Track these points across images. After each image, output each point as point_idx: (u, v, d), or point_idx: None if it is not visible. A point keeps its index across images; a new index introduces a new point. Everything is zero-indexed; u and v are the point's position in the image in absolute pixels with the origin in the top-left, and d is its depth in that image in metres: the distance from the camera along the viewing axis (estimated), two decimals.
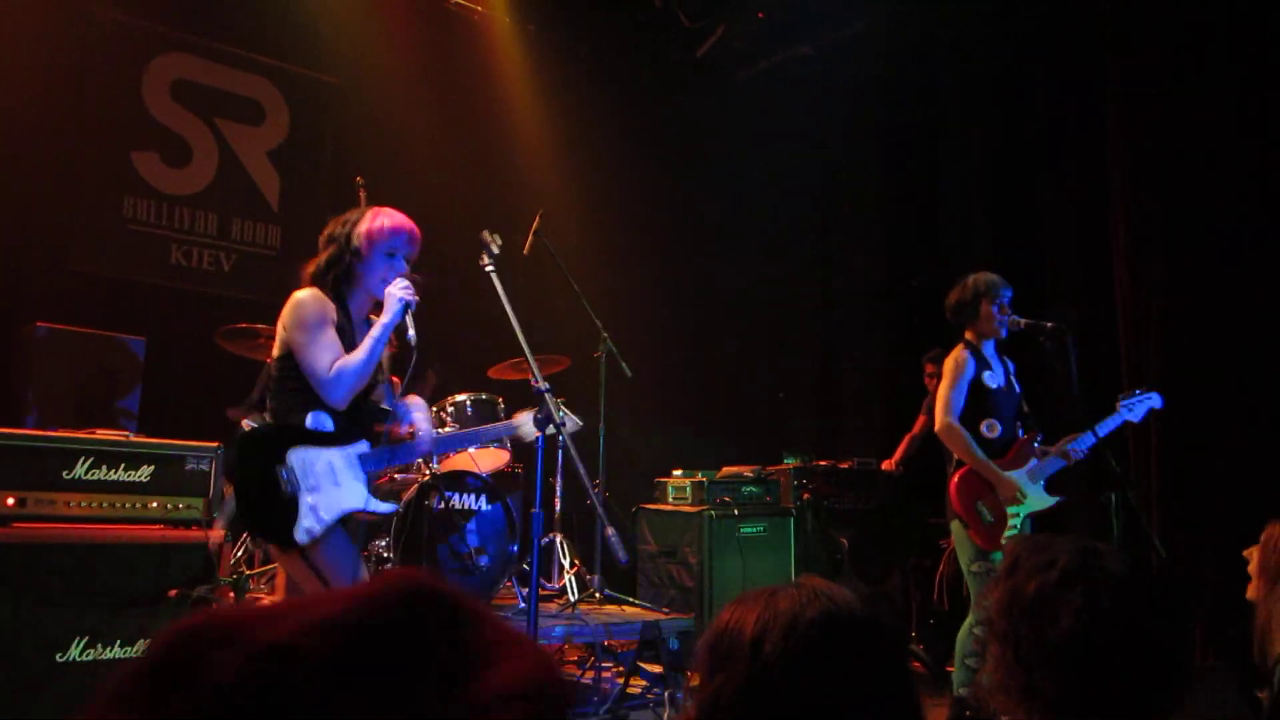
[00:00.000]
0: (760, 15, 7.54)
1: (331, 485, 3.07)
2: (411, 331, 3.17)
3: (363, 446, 3.19)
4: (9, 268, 5.89)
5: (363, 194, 5.61)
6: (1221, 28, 5.38)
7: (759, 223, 8.15)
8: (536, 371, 3.78)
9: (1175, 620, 1.45)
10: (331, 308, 3.15)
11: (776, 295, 8.17)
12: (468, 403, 5.81)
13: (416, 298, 3.21)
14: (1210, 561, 5.25)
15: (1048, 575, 1.48)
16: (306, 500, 3.02)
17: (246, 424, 5.38)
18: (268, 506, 2.99)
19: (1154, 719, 1.42)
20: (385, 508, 3.26)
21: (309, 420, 3.12)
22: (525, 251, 6.14)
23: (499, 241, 4.63)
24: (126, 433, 3.75)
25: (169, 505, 3.59)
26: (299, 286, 3.18)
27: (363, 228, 3.23)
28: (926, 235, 7.11)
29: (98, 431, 3.64)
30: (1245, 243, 5.29)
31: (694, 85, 8.16)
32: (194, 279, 6.68)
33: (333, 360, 3.08)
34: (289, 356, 3.11)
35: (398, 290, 3.19)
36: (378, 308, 3.25)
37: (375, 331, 3.15)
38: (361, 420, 3.23)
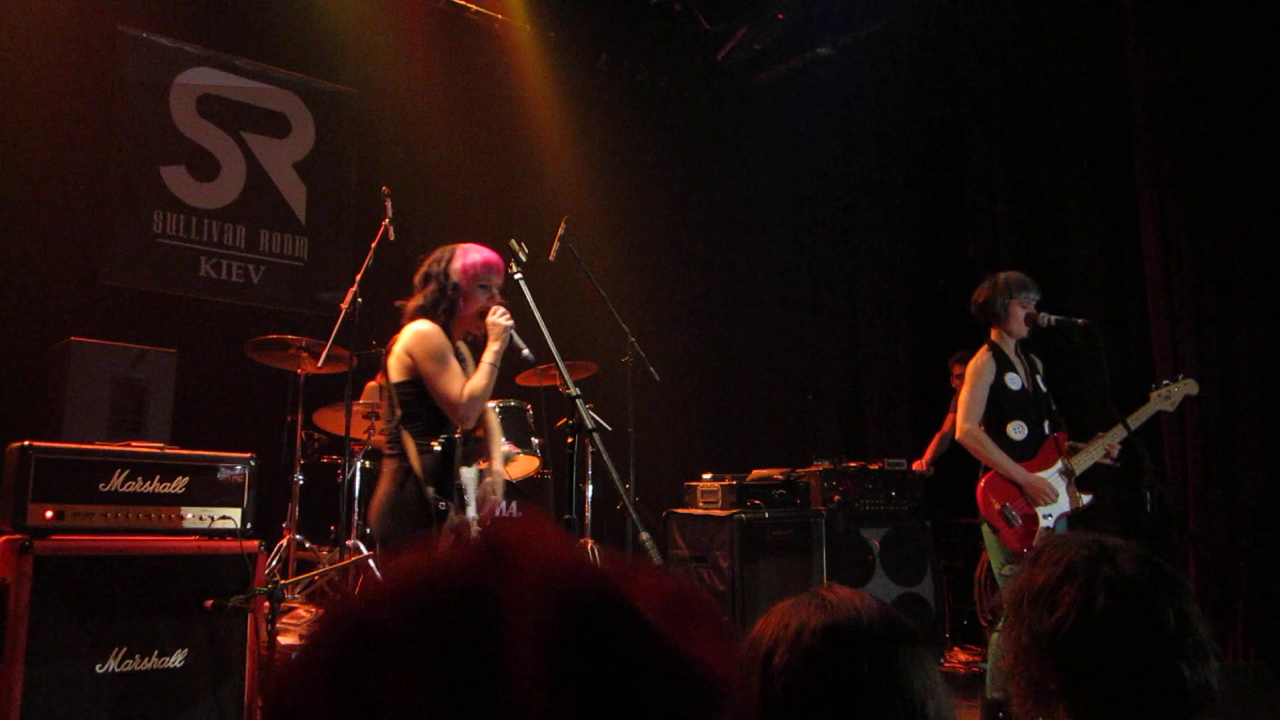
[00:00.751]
0: (780, 16, 7.53)
1: (470, 501, 3.53)
2: (526, 350, 3.52)
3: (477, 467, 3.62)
4: (41, 284, 5.97)
5: (389, 203, 5.66)
6: (1245, 23, 5.32)
7: (782, 225, 8.14)
8: (567, 377, 3.80)
9: (1179, 623, 1.41)
10: (446, 338, 3.49)
11: (800, 297, 8.15)
12: (496, 409, 5.83)
13: (513, 321, 3.54)
14: (1245, 559, 5.19)
15: (1055, 569, 1.48)
16: (469, 514, 3.43)
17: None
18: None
19: None
20: None
21: (443, 441, 3.41)
22: (551, 258, 6.15)
23: (526, 249, 4.66)
24: (161, 444, 3.78)
25: (205, 516, 3.62)
26: (407, 318, 3.51)
27: (457, 264, 3.57)
28: (952, 236, 7.07)
29: (133, 444, 3.68)
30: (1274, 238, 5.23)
31: (715, 88, 8.17)
32: (223, 291, 6.74)
33: (461, 386, 3.39)
34: (414, 384, 3.40)
35: (501, 319, 3.52)
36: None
37: (489, 357, 3.48)
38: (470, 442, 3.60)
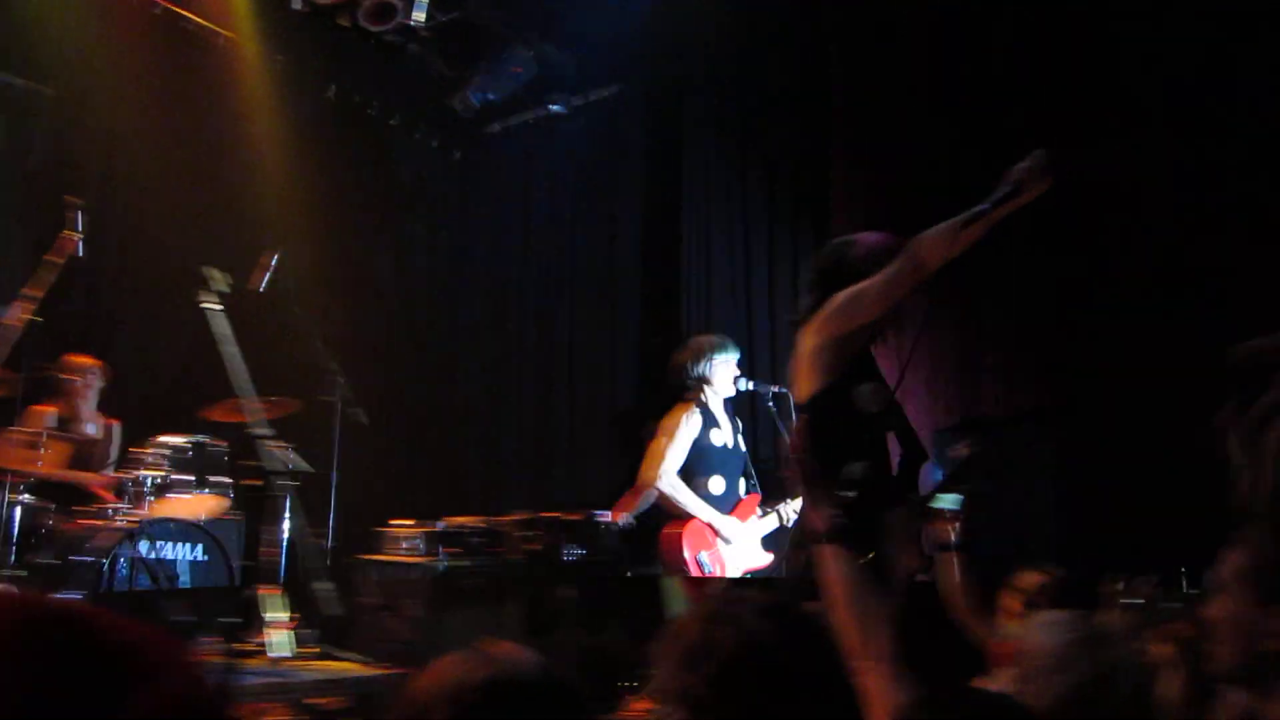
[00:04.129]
0: (517, 70, 7.64)
1: None
2: None
3: None
4: None
5: (78, 215, 5.25)
6: (927, 92, 5.85)
7: (504, 274, 8.18)
8: (253, 414, 3.69)
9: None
10: None
11: (519, 347, 8.19)
12: (184, 444, 5.50)
13: None
14: None
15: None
16: None
17: None
18: None
19: None
20: None
21: None
22: (260, 290, 5.92)
23: (228, 279, 4.45)
24: None
25: None
26: None
27: None
28: (668, 294, 7.35)
29: None
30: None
31: (446, 132, 8.14)
32: None
33: None
34: None
35: None
36: None
37: None
38: None
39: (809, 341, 3.03)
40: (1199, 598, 2.36)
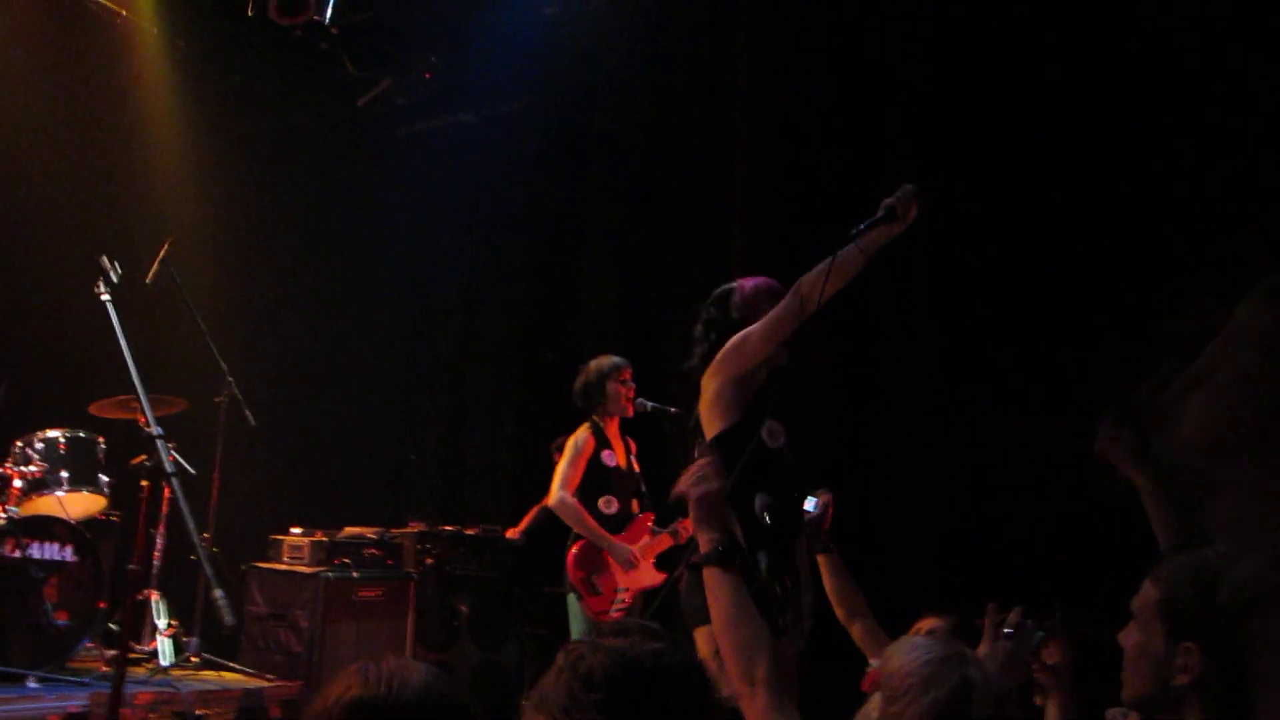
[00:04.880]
0: (428, 75, 7.56)
1: None
2: None
3: None
4: None
5: None
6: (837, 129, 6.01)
7: (401, 280, 8.07)
8: (149, 413, 3.58)
9: None
10: None
11: (412, 355, 8.09)
12: (61, 439, 5.24)
13: None
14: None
15: None
16: None
17: None
18: None
19: None
20: None
21: None
22: (149, 281, 5.70)
23: (117, 269, 4.30)
24: None
25: None
26: None
27: None
28: (566, 311, 7.37)
29: None
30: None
31: (351, 134, 7.99)
32: None
33: None
34: None
35: None
36: None
37: None
38: None
39: (709, 385, 3.23)
40: (1074, 626, 2.50)
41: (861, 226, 3.00)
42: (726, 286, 3.45)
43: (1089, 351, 4.57)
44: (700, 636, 3.24)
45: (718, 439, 3.17)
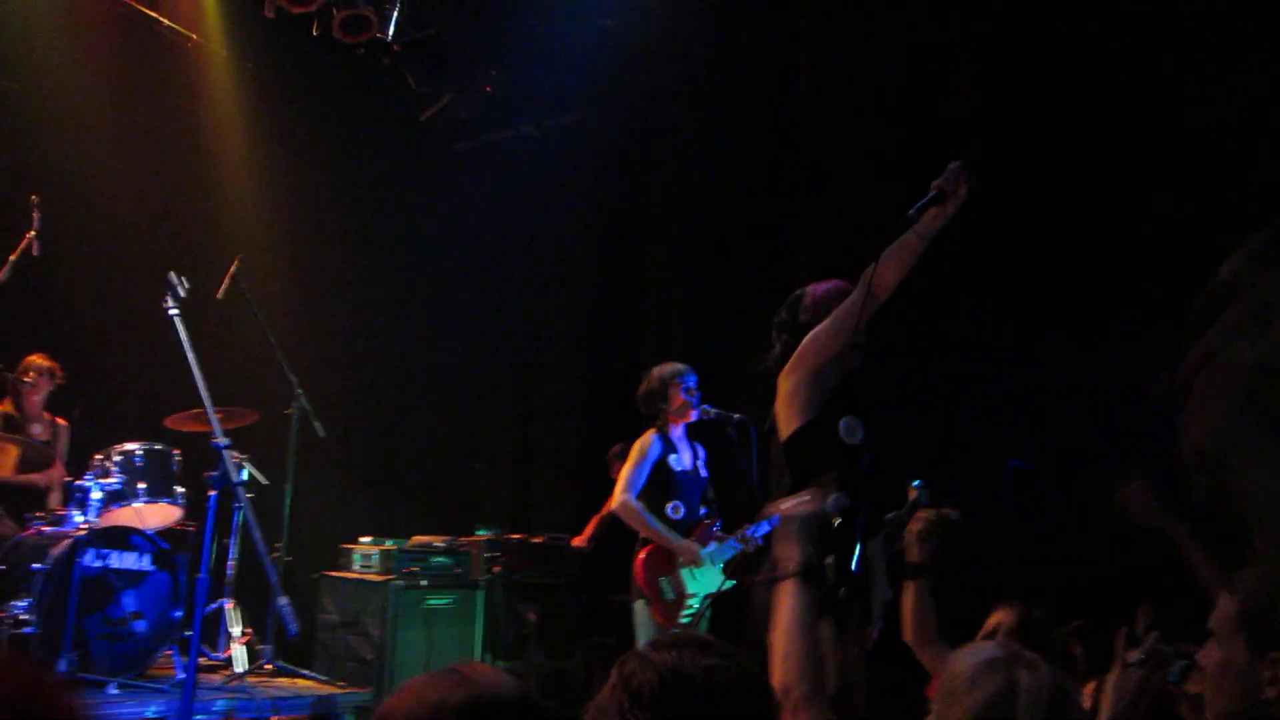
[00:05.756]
0: (488, 89, 7.64)
1: None
2: None
3: None
4: None
5: (36, 214, 5.13)
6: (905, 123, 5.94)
7: (467, 291, 8.14)
8: (217, 425, 3.64)
9: None
10: None
11: (479, 364, 8.16)
12: (138, 452, 5.36)
13: None
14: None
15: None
16: None
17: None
18: None
19: None
20: None
21: None
22: (220, 296, 5.82)
23: (186, 284, 4.38)
24: None
25: None
26: None
27: None
28: (631, 319, 7.38)
29: None
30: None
31: (414, 149, 8.10)
32: None
33: None
34: None
35: None
36: None
37: None
38: None
39: (784, 385, 3.20)
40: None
41: (913, 211, 2.98)
42: (799, 291, 3.46)
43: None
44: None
45: (792, 437, 3.14)
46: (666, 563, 4.93)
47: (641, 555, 4.93)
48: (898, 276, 3.01)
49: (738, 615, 5.54)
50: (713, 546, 5.08)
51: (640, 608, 4.83)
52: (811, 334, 3.17)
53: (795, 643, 2.09)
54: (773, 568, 2.90)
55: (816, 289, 3.39)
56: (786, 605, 2.14)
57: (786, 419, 3.21)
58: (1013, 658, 1.69)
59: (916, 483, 3.75)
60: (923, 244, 3.01)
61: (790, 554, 2.17)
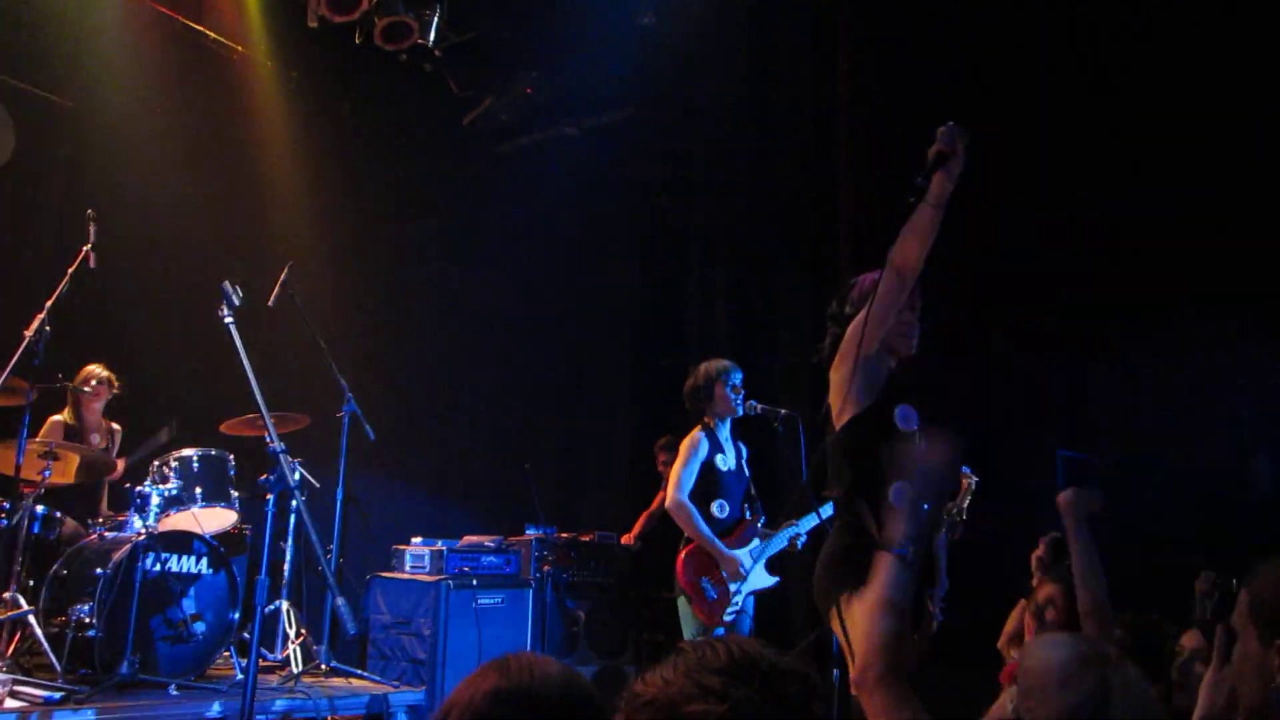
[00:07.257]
0: (529, 91, 7.68)
1: None
2: None
3: None
4: None
5: (92, 227, 5.24)
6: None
7: (513, 293, 8.20)
8: (272, 430, 3.69)
9: None
10: None
11: (527, 365, 8.21)
12: (195, 458, 5.47)
13: None
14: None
15: None
16: None
17: None
18: None
19: None
20: None
21: None
22: (270, 303, 5.91)
23: (240, 292, 4.45)
24: None
25: None
26: None
27: None
28: (676, 317, 7.38)
29: None
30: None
31: (457, 152, 8.17)
32: None
33: None
34: None
35: None
36: None
37: None
38: None
39: (835, 376, 3.20)
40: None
41: (919, 180, 2.96)
42: (850, 281, 3.45)
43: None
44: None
45: (847, 426, 3.13)
46: (709, 562, 4.93)
47: (684, 553, 4.94)
48: (920, 250, 2.99)
49: (780, 612, 5.54)
50: (756, 543, 5.08)
51: (684, 604, 4.84)
52: (853, 324, 3.16)
53: (881, 621, 2.09)
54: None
55: (865, 279, 3.37)
56: (879, 581, 2.13)
57: (840, 409, 3.19)
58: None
59: (966, 469, 3.73)
60: (938, 214, 3.00)
61: (900, 533, 2.16)
